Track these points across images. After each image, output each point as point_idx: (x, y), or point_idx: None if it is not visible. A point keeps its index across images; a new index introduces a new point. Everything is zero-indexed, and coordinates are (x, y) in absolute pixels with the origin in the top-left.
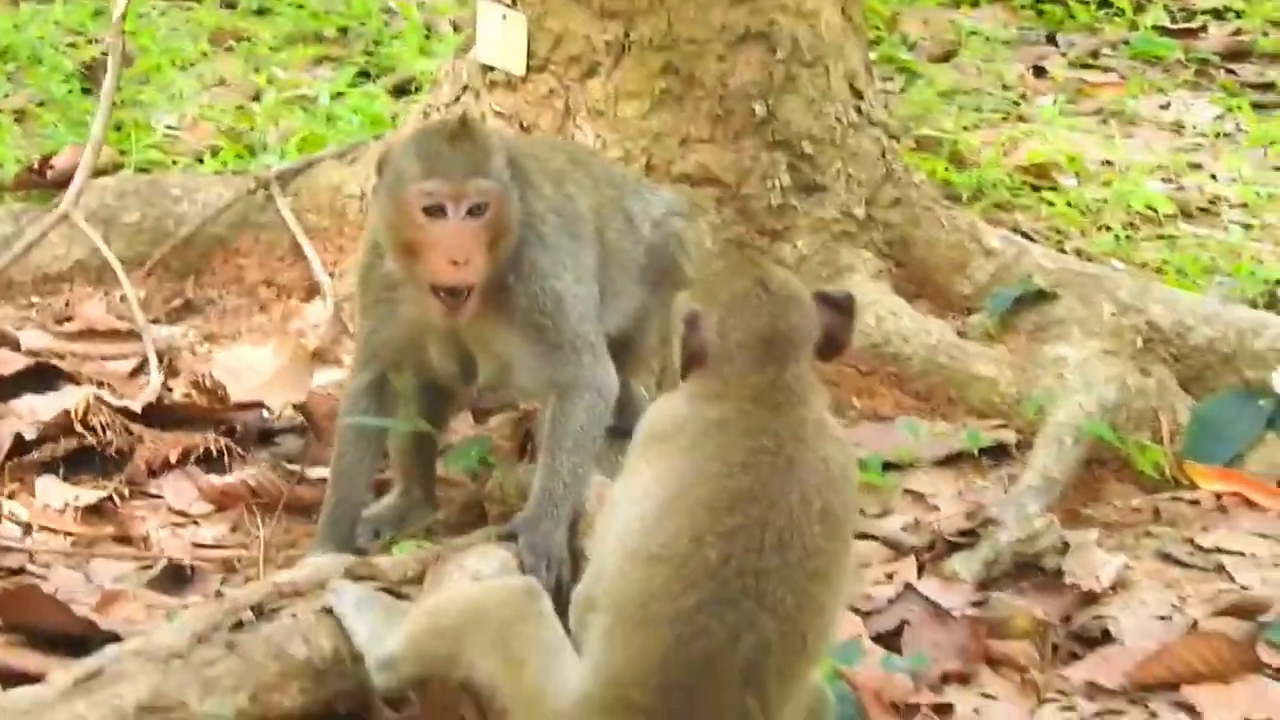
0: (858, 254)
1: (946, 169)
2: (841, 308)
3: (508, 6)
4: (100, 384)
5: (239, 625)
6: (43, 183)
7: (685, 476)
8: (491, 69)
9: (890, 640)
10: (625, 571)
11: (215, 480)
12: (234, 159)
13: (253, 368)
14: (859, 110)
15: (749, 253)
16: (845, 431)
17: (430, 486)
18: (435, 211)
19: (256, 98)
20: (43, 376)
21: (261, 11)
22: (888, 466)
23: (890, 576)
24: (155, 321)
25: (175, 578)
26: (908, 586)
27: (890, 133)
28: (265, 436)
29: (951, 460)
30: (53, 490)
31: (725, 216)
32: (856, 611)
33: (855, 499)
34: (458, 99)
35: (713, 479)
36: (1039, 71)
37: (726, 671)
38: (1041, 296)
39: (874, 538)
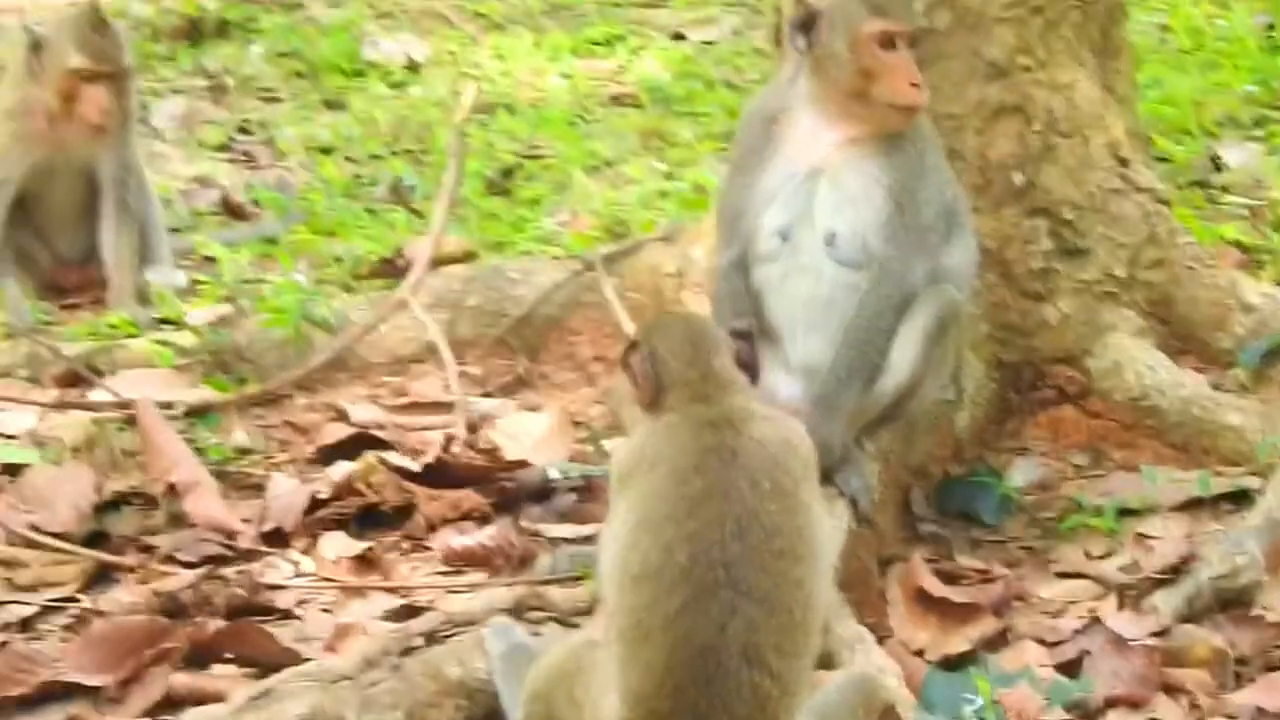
0: (1119, 313)
1: None
2: (742, 334)
3: None
4: (416, 452)
5: (408, 651)
6: (394, 271)
7: (649, 497)
8: None
9: (1071, 668)
10: (619, 599)
11: (454, 544)
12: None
13: (529, 430)
14: (1123, 177)
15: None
16: (779, 412)
17: None
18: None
19: (665, 195)
20: (361, 445)
21: (694, 114)
22: (1125, 513)
23: (1092, 611)
24: (488, 395)
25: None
26: (1094, 618)
27: (1158, 197)
28: (544, 494)
29: (1190, 506)
30: (335, 543)
31: (988, 281)
32: (1040, 641)
33: (802, 468)
34: None
35: (671, 491)
36: None
37: (726, 658)
38: None
39: (1086, 576)
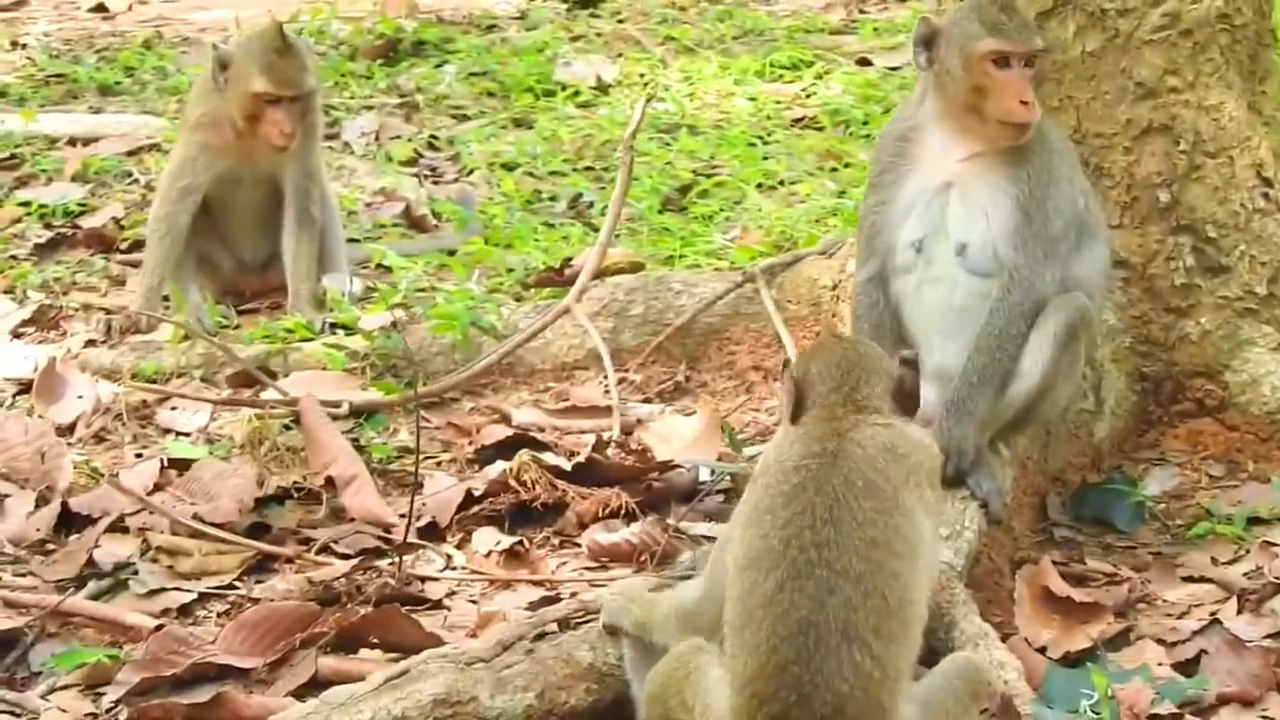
0: (1259, 329)
1: None
2: (909, 362)
3: None
4: (570, 453)
5: (541, 636)
6: (561, 280)
7: (757, 497)
8: None
9: (1188, 668)
10: (729, 592)
11: (601, 539)
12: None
13: (680, 433)
14: (1266, 196)
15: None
16: (916, 429)
17: None
18: (1002, 63)
19: (835, 213)
20: (520, 446)
21: (871, 136)
22: (1254, 521)
23: (1213, 614)
24: (647, 401)
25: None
26: (1213, 620)
27: None
28: (692, 494)
29: None
30: (486, 538)
31: (1131, 295)
32: (1160, 641)
33: (905, 474)
34: None
35: (774, 488)
36: None
37: (826, 634)
38: None
39: (1211, 581)
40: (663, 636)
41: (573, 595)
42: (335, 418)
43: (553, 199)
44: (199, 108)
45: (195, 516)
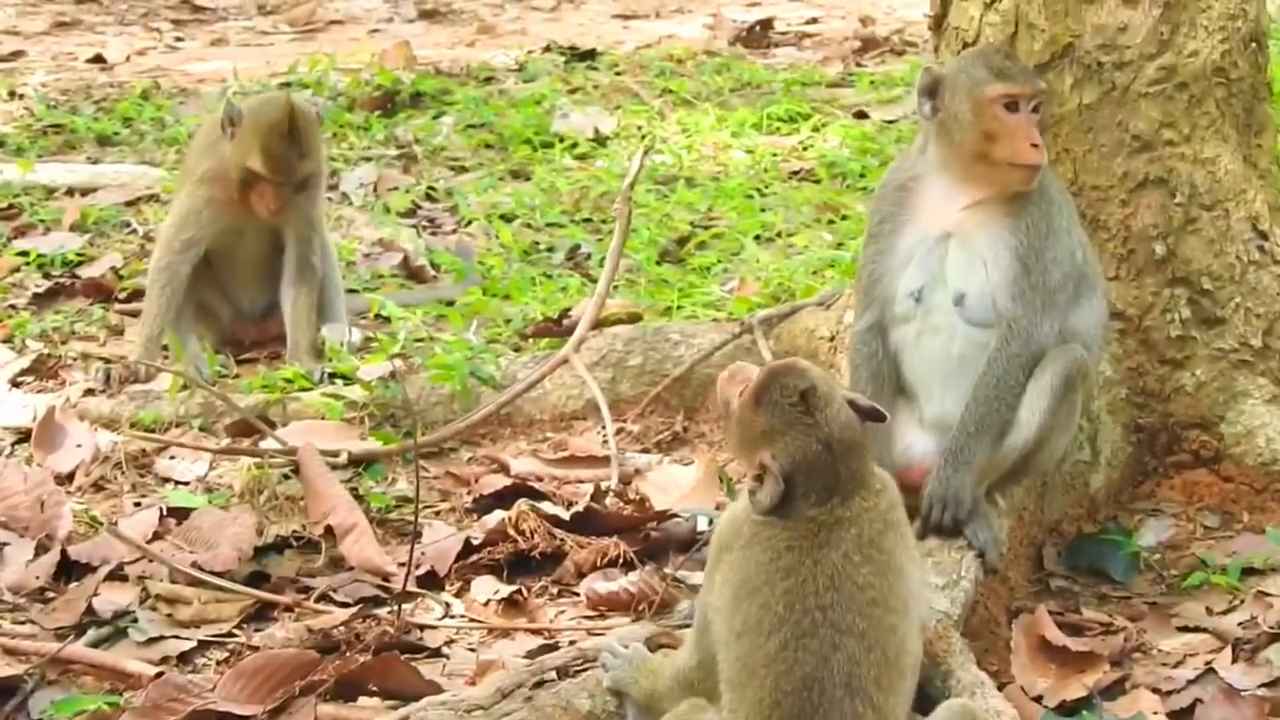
0: (1254, 381)
1: None
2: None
3: None
4: (569, 502)
5: (540, 684)
6: (559, 331)
7: (744, 568)
8: None
9: (1183, 717)
10: (725, 654)
11: (599, 588)
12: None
13: (678, 482)
14: (1261, 249)
15: None
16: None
17: None
18: (1011, 106)
19: (832, 265)
20: (518, 495)
21: (868, 189)
22: (1249, 572)
23: (1208, 664)
24: (645, 451)
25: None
26: (1208, 669)
27: None
28: (689, 543)
29: None
30: (485, 586)
31: (1127, 347)
32: (1156, 690)
33: (896, 538)
34: None
35: (765, 563)
36: None
37: (831, 688)
38: None
39: (1206, 630)
40: (669, 705)
41: (571, 644)
42: (334, 467)
43: (550, 250)
44: (205, 161)
45: (194, 565)
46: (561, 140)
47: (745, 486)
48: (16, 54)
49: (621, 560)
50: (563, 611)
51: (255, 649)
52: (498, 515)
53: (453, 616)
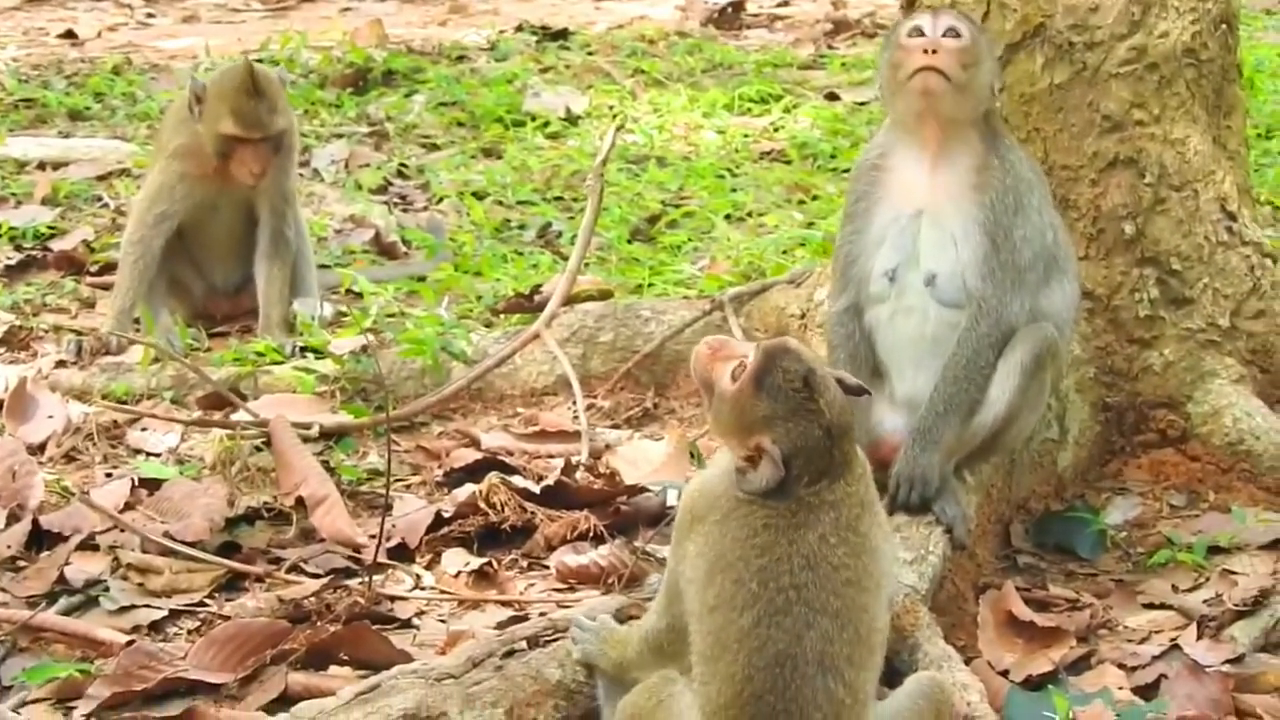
0: (1221, 361)
1: None
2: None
3: None
4: (539, 476)
5: (511, 653)
6: (530, 306)
7: (719, 543)
8: None
9: (1148, 692)
10: (698, 627)
11: (569, 561)
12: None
13: (648, 457)
14: (1230, 230)
15: None
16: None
17: None
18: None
19: (802, 244)
20: (488, 469)
21: (838, 170)
22: (1214, 550)
23: (1173, 640)
24: (616, 427)
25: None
26: (1173, 645)
27: (1264, 251)
28: (659, 517)
29: (1277, 545)
30: (455, 559)
31: (1096, 326)
32: (1121, 666)
33: (872, 516)
34: None
35: (742, 538)
36: None
37: (804, 665)
38: None
39: (1171, 607)
40: (640, 673)
41: (541, 615)
42: (305, 440)
43: (522, 227)
44: (177, 137)
45: (166, 535)
46: (533, 119)
47: (733, 464)
48: None
49: (591, 534)
50: (532, 584)
51: (226, 618)
52: (468, 489)
53: (423, 588)
